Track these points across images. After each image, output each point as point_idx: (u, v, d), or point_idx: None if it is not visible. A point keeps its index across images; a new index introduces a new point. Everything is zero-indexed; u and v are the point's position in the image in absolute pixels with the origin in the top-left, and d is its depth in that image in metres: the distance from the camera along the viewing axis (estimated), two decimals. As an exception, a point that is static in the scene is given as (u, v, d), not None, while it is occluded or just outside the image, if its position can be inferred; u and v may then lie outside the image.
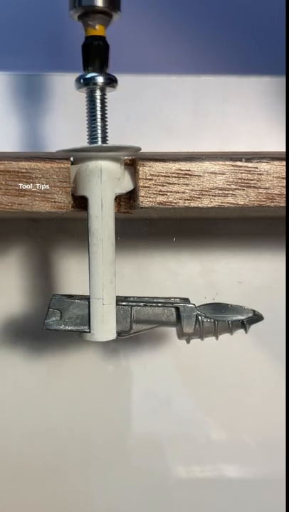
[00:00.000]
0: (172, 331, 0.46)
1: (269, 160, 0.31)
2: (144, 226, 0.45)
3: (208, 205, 0.31)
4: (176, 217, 0.40)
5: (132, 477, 0.48)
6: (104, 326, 0.33)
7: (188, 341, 0.36)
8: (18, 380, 0.46)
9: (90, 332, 0.33)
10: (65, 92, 0.46)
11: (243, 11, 0.51)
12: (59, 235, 0.45)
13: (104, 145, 0.33)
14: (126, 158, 0.33)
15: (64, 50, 0.47)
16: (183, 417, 0.48)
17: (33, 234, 0.45)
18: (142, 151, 0.33)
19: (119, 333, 0.34)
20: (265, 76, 0.48)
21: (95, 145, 0.33)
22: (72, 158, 0.32)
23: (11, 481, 0.47)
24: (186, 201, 0.31)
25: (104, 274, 0.32)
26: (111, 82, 0.33)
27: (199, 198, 0.31)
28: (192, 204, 0.31)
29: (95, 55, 0.33)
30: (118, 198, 0.33)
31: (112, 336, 0.33)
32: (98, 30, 0.33)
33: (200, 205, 0.31)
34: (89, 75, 0.33)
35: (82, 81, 0.33)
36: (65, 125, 0.46)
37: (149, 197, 0.31)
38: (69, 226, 0.43)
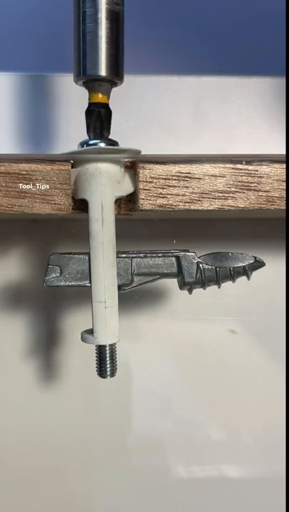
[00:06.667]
0: (172, 330, 0.46)
1: (269, 163, 0.31)
2: (144, 228, 0.44)
3: (209, 208, 0.31)
4: (176, 218, 0.40)
5: (133, 477, 0.48)
6: (107, 329, 0.33)
7: (190, 291, 0.35)
8: (18, 380, 0.46)
9: (90, 286, 0.33)
10: (66, 92, 0.46)
11: (243, 11, 0.51)
12: (59, 236, 0.45)
13: (104, 147, 0.33)
14: (126, 160, 0.33)
15: (64, 50, 0.47)
16: (183, 417, 0.48)
17: (33, 235, 0.45)
18: (142, 152, 0.33)
19: (120, 287, 0.34)
20: (265, 77, 0.47)
21: (94, 147, 0.33)
22: (72, 161, 0.32)
23: (10, 481, 0.47)
24: (187, 204, 0.31)
25: (105, 277, 0.32)
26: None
27: (199, 200, 0.31)
28: (192, 207, 0.31)
29: (98, 122, 0.33)
30: (118, 201, 0.33)
31: (115, 338, 0.33)
32: (101, 97, 0.33)
33: (200, 208, 0.31)
34: (91, 142, 0.33)
35: (84, 147, 0.33)
36: (65, 126, 0.46)
37: (150, 199, 0.31)
38: (69, 227, 0.43)
